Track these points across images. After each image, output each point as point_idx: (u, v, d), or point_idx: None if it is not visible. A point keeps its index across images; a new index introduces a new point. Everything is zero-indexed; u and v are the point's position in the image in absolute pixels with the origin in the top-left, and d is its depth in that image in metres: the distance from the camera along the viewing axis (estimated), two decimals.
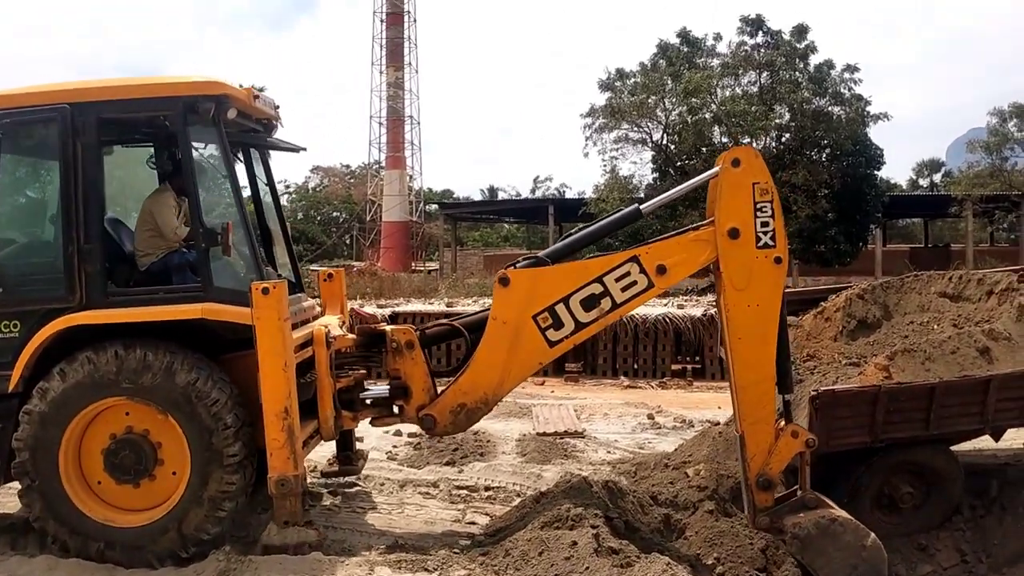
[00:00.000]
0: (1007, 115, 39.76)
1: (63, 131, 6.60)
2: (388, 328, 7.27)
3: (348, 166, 77.38)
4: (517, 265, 6.84)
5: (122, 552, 6.55)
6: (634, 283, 6.53)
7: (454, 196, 74.97)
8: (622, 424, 12.41)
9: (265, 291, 6.35)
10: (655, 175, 38.12)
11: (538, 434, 11.24)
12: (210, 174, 7.34)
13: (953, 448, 8.36)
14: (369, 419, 7.31)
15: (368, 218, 60.80)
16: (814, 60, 35.19)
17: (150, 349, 6.49)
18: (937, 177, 68.85)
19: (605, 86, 37.22)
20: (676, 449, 9.15)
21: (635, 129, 37.05)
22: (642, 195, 37.28)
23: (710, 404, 13.77)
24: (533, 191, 70.82)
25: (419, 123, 59.65)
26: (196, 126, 6.67)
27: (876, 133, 42.21)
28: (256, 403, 6.47)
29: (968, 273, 9.55)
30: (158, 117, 7.08)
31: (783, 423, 6.46)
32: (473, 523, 7.72)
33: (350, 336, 7.36)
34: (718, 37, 36.71)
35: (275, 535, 6.53)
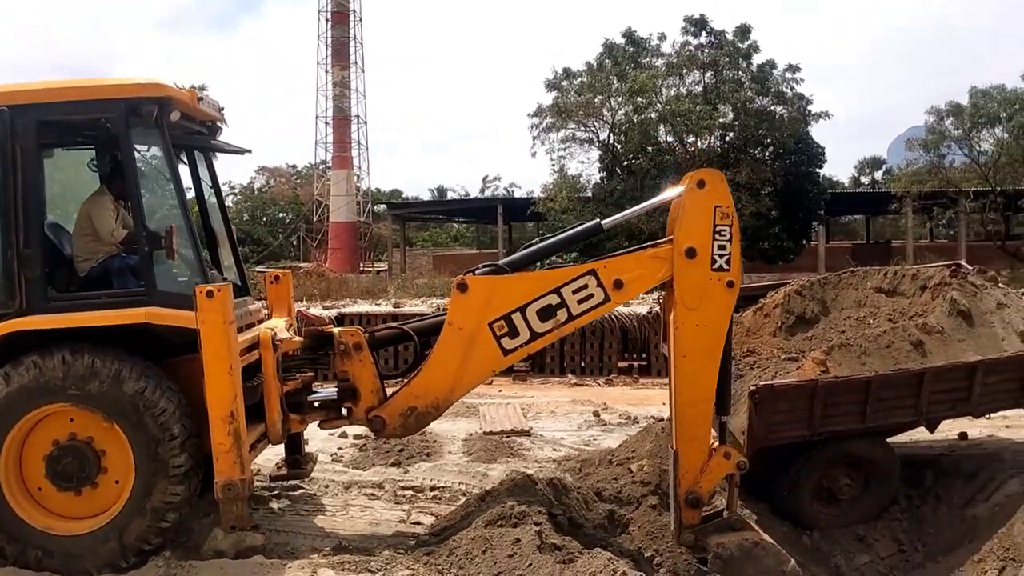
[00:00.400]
0: (944, 113, 40.62)
1: (1, 133, 6.46)
2: (336, 330, 7.23)
3: (294, 166, 76.68)
4: (476, 272, 6.84)
5: (60, 560, 6.43)
6: (591, 296, 6.55)
7: (403, 196, 74.69)
8: (568, 422, 12.48)
9: (209, 294, 6.27)
10: (602, 174, 38.41)
11: (485, 433, 11.24)
12: (152, 177, 7.23)
13: (889, 440, 8.55)
14: (317, 422, 7.26)
15: (315, 219, 60.30)
16: (757, 60, 35.75)
17: (98, 356, 6.39)
18: (878, 175, 70.19)
19: (552, 85, 37.39)
20: (620, 445, 9.21)
21: (582, 128, 37.29)
22: (589, 194, 37.54)
23: (655, 400, 13.88)
24: (482, 191, 70.90)
25: (366, 123, 59.31)
26: (138, 128, 6.56)
27: (818, 132, 42.91)
28: (201, 407, 6.40)
29: (903, 269, 9.75)
30: (99, 119, 6.95)
31: (717, 443, 6.52)
32: (418, 523, 7.70)
33: (297, 339, 7.30)
34: (662, 37, 37.12)
35: (221, 539, 6.47)
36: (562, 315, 6.58)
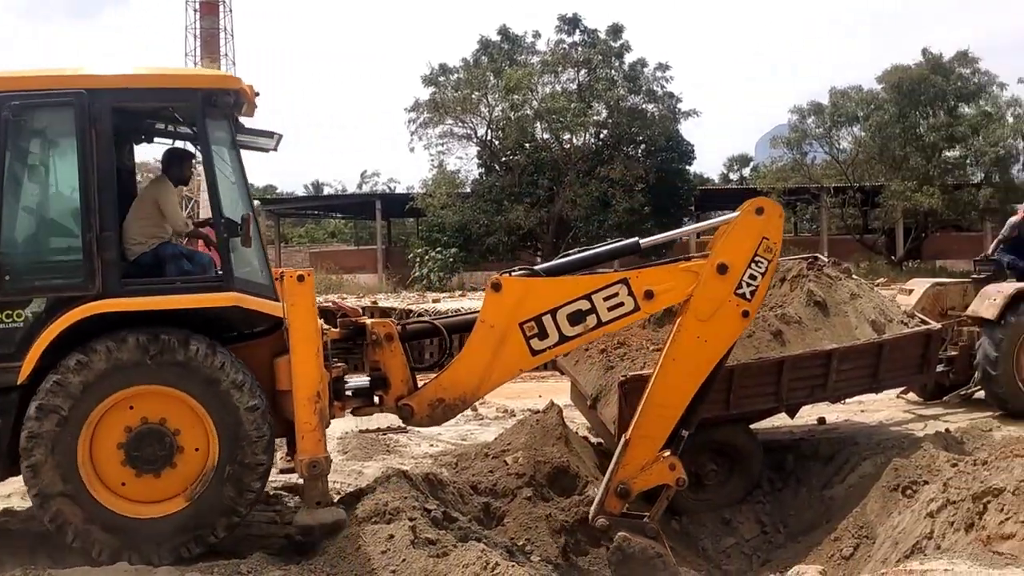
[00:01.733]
0: (806, 112, 42.50)
1: (80, 117, 6.32)
2: (368, 321, 7.25)
3: None
4: (512, 273, 6.92)
5: (147, 546, 6.23)
6: (621, 304, 6.62)
7: (277, 192, 73.09)
8: None
9: (300, 279, 6.44)
10: (481, 170, 38.62)
11: (360, 431, 11.13)
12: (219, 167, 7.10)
13: (752, 426, 8.90)
14: (351, 409, 7.29)
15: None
16: (628, 59, 36.55)
17: (195, 340, 6.29)
18: (746, 171, 72.50)
19: (428, 81, 37.36)
20: (496, 438, 9.28)
21: (460, 124, 37.41)
22: (468, 190, 37.67)
23: (531, 394, 14.03)
24: (360, 186, 69.83)
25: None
26: (209, 119, 6.60)
27: (689, 130, 44.24)
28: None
29: None
30: (168, 108, 7.11)
31: (668, 452, 6.64)
32: (290, 523, 7.54)
33: (334, 330, 7.28)
34: (537, 35, 37.55)
35: (307, 516, 6.50)
36: (591, 321, 6.63)
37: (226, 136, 6.74)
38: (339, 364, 7.16)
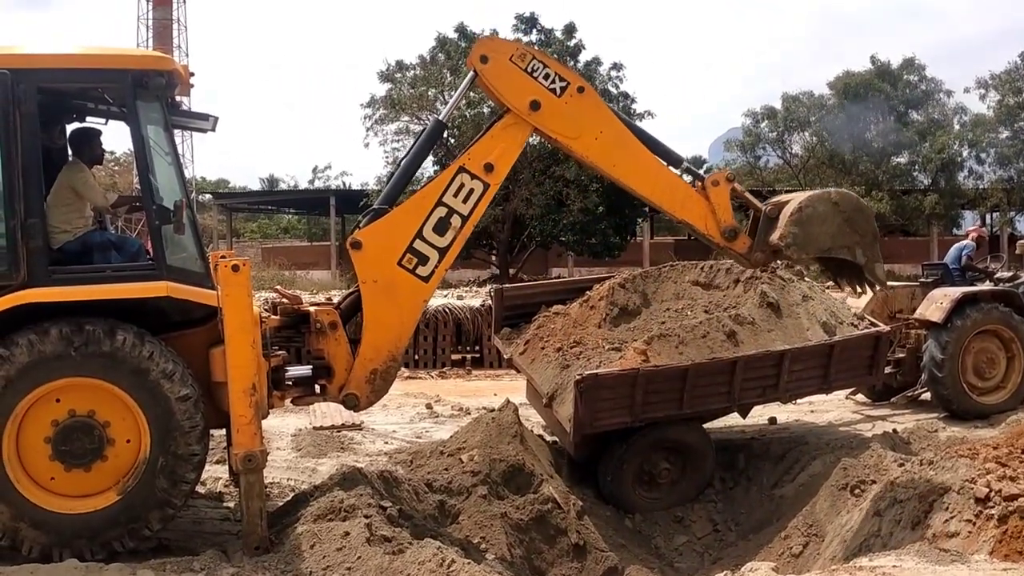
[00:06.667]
0: (759, 117, 43.00)
1: (3, 98, 6.08)
2: (312, 309, 7.18)
3: (113, 153, 72.56)
4: (360, 226, 6.97)
5: (78, 541, 6.11)
6: (471, 191, 6.78)
7: (230, 186, 72.15)
8: (400, 414, 12.46)
9: (235, 268, 6.22)
10: (436, 168, 38.42)
11: (315, 428, 11.07)
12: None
13: (705, 425, 9.00)
14: (291, 399, 7.23)
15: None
16: (583, 58, 36.65)
17: (124, 331, 6.15)
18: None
19: (385, 77, 37.15)
20: (451, 436, 9.27)
21: (416, 121, 37.18)
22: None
23: (487, 392, 14.06)
24: (312, 181, 68.91)
25: (190, 109, 57.01)
26: (140, 101, 6.43)
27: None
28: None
29: (718, 263, 10.28)
30: (98, 89, 6.91)
31: (700, 185, 6.92)
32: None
33: (275, 317, 7.21)
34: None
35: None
36: (456, 221, 6.79)
37: (159, 118, 6.58)
38: (279, 353, 7.07)
